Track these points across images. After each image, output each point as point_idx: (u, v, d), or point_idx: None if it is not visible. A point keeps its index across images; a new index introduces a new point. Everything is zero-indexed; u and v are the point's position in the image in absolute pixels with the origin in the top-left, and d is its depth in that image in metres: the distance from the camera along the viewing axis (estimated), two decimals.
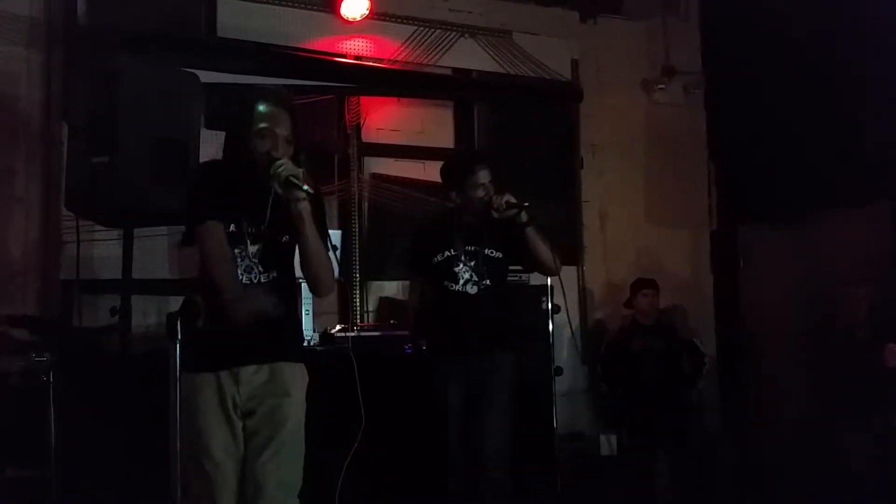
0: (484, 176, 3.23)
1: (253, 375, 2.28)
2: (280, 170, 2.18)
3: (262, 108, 2.31)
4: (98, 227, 3.66)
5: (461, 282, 3.24)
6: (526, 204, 3.14)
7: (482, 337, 3.20)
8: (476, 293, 3.24)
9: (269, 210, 2.27)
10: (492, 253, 3.28)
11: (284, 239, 2.33)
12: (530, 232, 3.18)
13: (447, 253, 3.26)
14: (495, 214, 3.15)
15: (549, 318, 4.29)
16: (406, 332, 3.83)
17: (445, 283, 3.24)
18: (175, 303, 3.42)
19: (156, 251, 4.03)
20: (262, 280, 2.32)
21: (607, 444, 4.76)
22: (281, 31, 4.49)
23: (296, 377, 2.36)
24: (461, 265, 3.24)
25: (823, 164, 4.79)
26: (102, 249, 3.82)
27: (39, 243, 3.92)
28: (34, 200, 3.94)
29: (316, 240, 2.26)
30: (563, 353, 4.20)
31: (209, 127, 4.10)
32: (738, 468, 5.25)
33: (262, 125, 2.29)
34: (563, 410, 4.44)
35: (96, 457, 3.02)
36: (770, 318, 5.25)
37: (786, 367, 5.06)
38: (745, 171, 5.42)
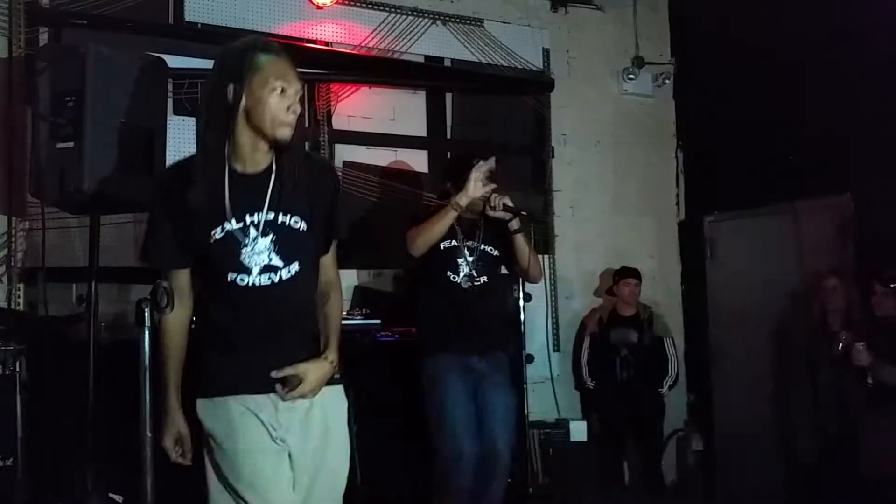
0: (488, 170, 3.25)
1: (292, 404, 1.96)
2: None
3: (267, 58, 1.92)
4: (64, 215, 3.59)
5: (461, 274, 3.27)
6: (523, 213, 3.23)
7: (481, 333, 3.26)
8: (475, 289, 3.28)
9: (269, 191, 1.95)
10: (490, 250, 3.34)
11: (300, 224, 1.99)
12: (519, 239, 3.27)
13: (452, 242, 3.29)
14: (489, 212, 3.21)
15: (520, 307, 4.31)
16: (378, 321, 3.82)
17: (448, 273, 3.26)
18: (142, 291, 3.40)
19: (123, 238, 3.97)
20: (284, 277, 1.97)
21: (577, 430, 4.81)
22: (250, 15, 4.44)
23: (338, 405, 2.05)
24: (462, 258, 3.27)
25: (789, 156, 4.88)
26: (68, 237, 3.76)
27: (2, 231, 3.84)
28: None
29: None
30: (534, 341, 4.23)
31: (177, 113, 4.06)
32: (705, 457, 5.35)
33: (275, 77, 1.91)
34: (533, 397, 4.47)
35: (64, 447, 2.98)
36: (736, 307, 5.34)
37: (752, 355, 5.14)
38: (712, 162, 5.49)
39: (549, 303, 5.27)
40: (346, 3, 4.69)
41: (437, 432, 3.17)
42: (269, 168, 1.98)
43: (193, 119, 4.00)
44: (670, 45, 5.80)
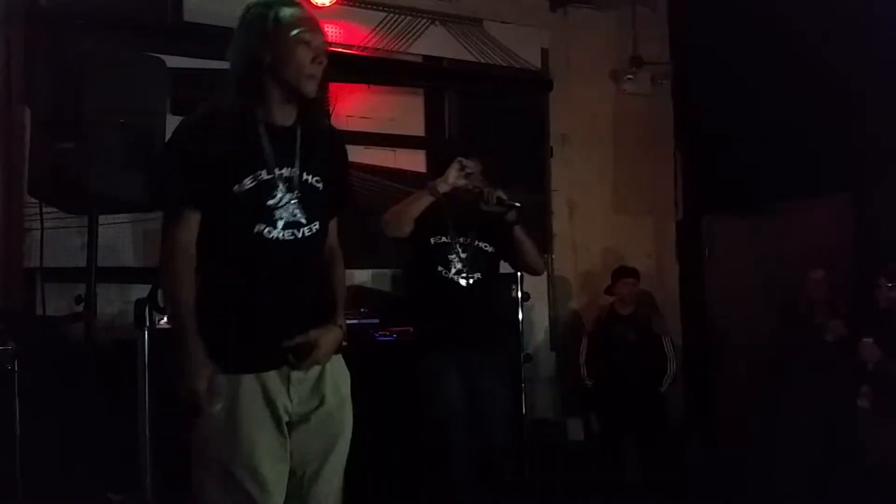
0: (473, 166, 3.22)
1: (304, 374, 1.93)
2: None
3: (290, 11, 1.92)
4: (62, 214, 3.59)
5: (453, 271, 3.22)
6: (517, 204, 3.17)
7: (477, 331, 3.21)
8: (468, 286, 3.22)
9: (298, 147, 1.94)
10: (485, 246, 3.29)
11: (320, 184, 1.97)
12: (517, 231, 3.24)
13: (443, 238, 3.24)
14: (484, 207, 3.17)
15: (519, 306, 4.32)
16: (377, 321, 3.82)
17: (440, 268, 3.21)
18: (141, 291, 3.40)
19: (121, 238, 3.97)
20: (306, 234, 1.94)
21: (575, 429, 4.82)
22: None
23: (343, 371, 2.04)
24: (454, 255, 3.23)
25: (787, 155, 4.88)
26: (66, 237, 3.76)
27: (1, 231, 3.84)
28: None
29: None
30: (533, 340, 4.24)
31: (175, 113, 4.06)
32: (705, 456, 5.36)
33: (300, 29, 1.90)
34: (530, 396, 4.48)
35: (62, 447, 2.98)
36: (734, 306, 5.34)
37: (750, 353, 5.15)
38: (710, 161, 5.49)
39: (548, 302, 5.29)
40: (345, 2, 4.69)
41: (429, 428, 3.16)
42: (295, 124, 1.97)
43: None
44: (669, 45, 5.80)
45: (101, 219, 3.27)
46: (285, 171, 1.93)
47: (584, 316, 5.29)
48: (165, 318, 3.06)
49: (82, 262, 3.21)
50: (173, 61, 3.64)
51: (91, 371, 2.92)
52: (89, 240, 3.09)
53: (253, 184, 1.89)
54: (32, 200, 3.41)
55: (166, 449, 2.76)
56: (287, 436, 1.91)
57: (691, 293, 5.67)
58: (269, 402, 1.87)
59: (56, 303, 3.55)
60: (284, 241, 1.91)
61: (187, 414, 1.85)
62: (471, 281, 3.23)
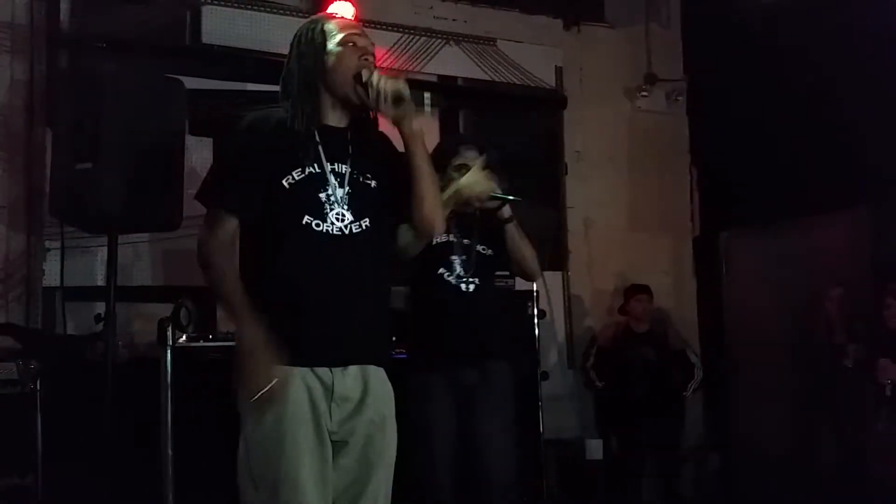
0: (470, 157, 2.96)
1: (347, 384, 1.85)
2: (382, 83, 1.88)
3: (334, 21, 2.04)
4: (82, 234, 3.63)
5: (455, 273, 2.97)
6: (510, 198, 2.92)
7: (474, 342, 2.93)
8: (468, 292, 2.96)
9: (350, 146, 1.96)
10: (484, 250, 3.03)
11: (371, 182, 1.98)
12: (511, 228, 2.97)
13: (446, 237, 2.97)
14: (476, 203, 2.89)
15: (534, 323, 4.31)
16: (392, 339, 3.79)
17: (441, 270, 2.95)
18: (160, 310, 3.42)
19: (140, 258, 4.01)
20: (354, 230, 1.91)
21: (593, 448, 4.78)
22: (266, 37, 4.49)
23: (387, 388, 1.96)
24: (456, 255, 2.98)
25: (803, 170, 4.86)
26: (86, 256, 3.80)
27: (22, 250, 3.89)
28: (17, 207, 3.91)
29: (430, 165, 1.95)
30: (549, 358, 4.22)
31: (194, 133, 4.11)
32: (723, 475, 5.30)
33: (346, 34, 1.99)
34: (548, 415, 4.45)
35: (83, 465, 3.00)
36: (753, 323, 5.30)
37: (768, 372, 5.10)
38: (726, 178, 5.47)
39: (564, 319, 5.27)
40: (361, 24, 4.73)
41: (418, 458, 2.83)
42: (347, 128, 2.00)
43: (210, 139, 4.05)
44: (683, 61, 5.81)
45: (121, 238, 3.31)
46: (336, 167, 1.93)
47: (596, 331, 5.26)
48: (185, 337, 3.08)
49: (102, 281, 3.25)
50: (192, 82, 3.71)
51: (111, 389, 2.94)
52: (109, 259, 3.13)
53: (302, 176, 1.90)
54: (53, 220, 3.46)
55: (188, 466, 2.76)
56: (331, 459, 1.83)
57: (709, 310, 5.63)
58: (316, 421, 1.81)
59: (76, 321, 3.59)
60: (333, 236, 1.89)
61: (243, 417, 1.80)
62: (471, 287, 2.97)
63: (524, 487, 3.70)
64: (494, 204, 2.92)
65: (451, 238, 2.98)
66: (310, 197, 1.89)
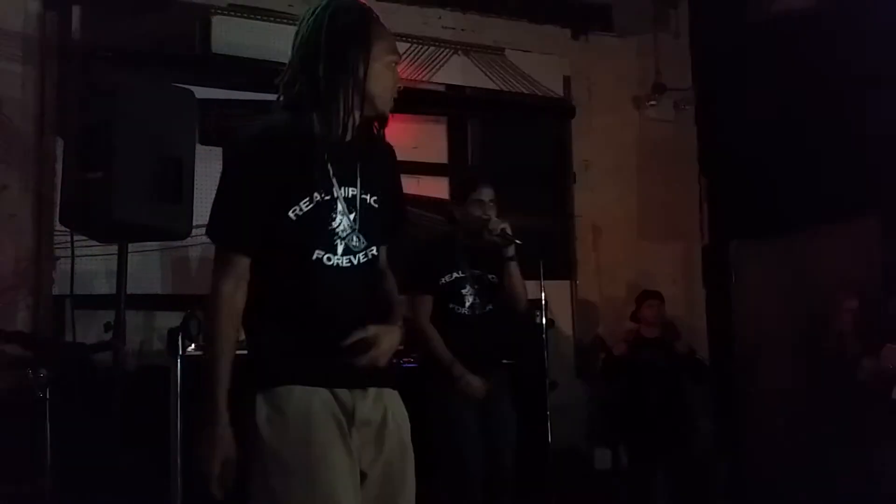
0: (487, 194, 3.27)
1: (367, 406, 1.78)
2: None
3: (383, 29, 1.83)
4: (92, 243, 3.65)
5: (467, 304, 3.25)
6: (518, 242, 3.22)
7: (487, 361, 3.23)
8: (481, 317, 3.26)
9: (359, 165, 1.81)
10: (492, 278, 3.32)
11: (377, 203, 1.85)
12: (513, 267, 3.27)
13: (455, 274, 3.27)
14: (486, 235, 3.21)
15: (543, 333, 4.29)
16: (401, 347, 3.80)
17: (451, 305, 3.24)
18: (168, 318, 3.44)
19: (150, 266, 4.02)
20: (362, 260, 1.81)
21: (601, 458, 4.75)
22: (276, 46, 4.48)
23: (403, 413, 1.88)
24: (467, 287, 3.25)
25: (813, 179, 4.84)
26: (95, 265, 3.82)
27: (32, 259, 3.91)
28: (27, 216, 3.93)
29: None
30: (558, 368, 4.21)
31: (204, 143, 4.13)
32: (733, 483, 5.26)
33: (395, 56, 1.84)
34: (556, 425, 4.43)
35: (93, 473, 3.00)
36: (762, 332, 5.28)
37: (778, 381, 5.07)
38: (735, 187, 5.46)
39: (573, 329, 5.26)
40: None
41: (447, 460, 3.13)
42: (353, 140, 1.83)
43: (220, 148, 4.06)
44: (691, 70, 5.81)
45: (131, 247, 3.32)
46: (345, 191, 1.80)
47: (605, 339, 5.24)
48: (194, 346, 3.09)
49: (112, 290, 3.26)
50: (202, 92, 3.72)
51: (120, 397, 2.95)
52: (119, 268, 3.14)
53: (310, 207, 1.76)
54: (63, 229, 3.47)
55: (197, 475, 2.77)
56: (359, 486, 1.75)
57: (718, 319, 5.61)
58: (344, 440, 1.73)
59: (86, 330, 3.60)
60: (343, 269, 1.79)
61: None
62: (484, 312, 3.26)
63: (532, 497, 3.72)
64: (503, 242, 3.24)
65: (458, 274, 3.26)
66: (319, 230, 1.77)
